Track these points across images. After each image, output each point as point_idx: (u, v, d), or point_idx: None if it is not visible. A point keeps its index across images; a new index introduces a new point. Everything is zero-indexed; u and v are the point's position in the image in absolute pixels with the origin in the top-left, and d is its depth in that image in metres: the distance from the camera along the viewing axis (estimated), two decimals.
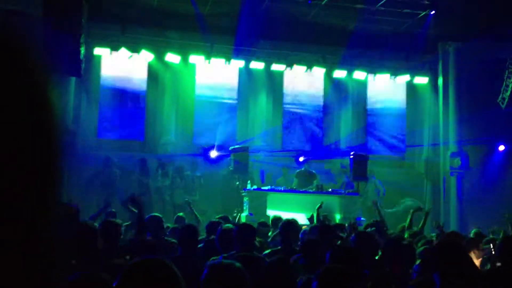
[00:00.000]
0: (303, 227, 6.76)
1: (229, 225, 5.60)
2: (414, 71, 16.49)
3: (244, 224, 5.57)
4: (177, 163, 14.46)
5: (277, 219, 7.25)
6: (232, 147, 13.18)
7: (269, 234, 6.83)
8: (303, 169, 13.00)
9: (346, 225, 7.03)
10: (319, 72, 16.15)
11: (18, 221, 0.56)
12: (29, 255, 0.58)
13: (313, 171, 13.02)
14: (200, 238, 5.77)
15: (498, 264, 4.48)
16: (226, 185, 14.08)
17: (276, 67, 15.66)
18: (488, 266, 5.37)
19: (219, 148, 14.45)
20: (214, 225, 6.19)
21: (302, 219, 8.64)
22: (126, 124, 15.28)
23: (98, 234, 3.61)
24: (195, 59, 15.07)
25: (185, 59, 15.02)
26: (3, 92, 0.56)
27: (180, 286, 1.88)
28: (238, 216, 11.88)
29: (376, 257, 4.68)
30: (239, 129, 15.94)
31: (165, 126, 15.25)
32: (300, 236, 5.97)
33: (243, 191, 12.28)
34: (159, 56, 14.91)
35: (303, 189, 12.33)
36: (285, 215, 8.05)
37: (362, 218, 11.12)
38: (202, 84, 15.83)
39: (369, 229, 6.73)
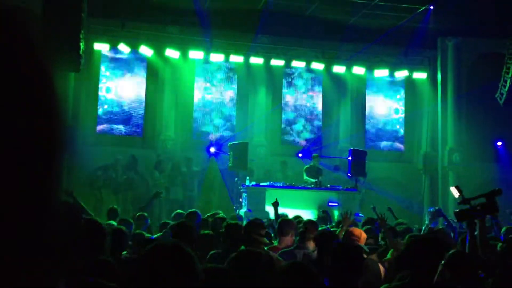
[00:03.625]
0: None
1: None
2: (412, 67, 16.47)
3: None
4: (176, 159, 14.47)
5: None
6: (231, 143, 13.14)
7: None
8: (311, 164, 12.71)
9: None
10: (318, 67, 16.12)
11: (18, 216, 0.57)
12: (29, 251, 0.58)
13: (321, 167, 12.87)
14: None
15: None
16: (225, 181, 14.07)
17: (275, 62, 15.63)
18: None
19: (218, 144, 14.46)
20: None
21: (301, 214, 8.66)
22: (125, 120, 15.26)
23: (105, 233, 3.58)
24: (195, 54, 15.05)
25: (184, 54, 14.99)
26: (4, 87, 0.56)
27: (195, 267, 1.90)
28: (237, 212, 11.87)
29: None
30: (237, 125, 15.92)
31: (164, 122, 15.23)
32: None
33: (241, 187, 12.24)
34: (159, 51, 14.88)
35: (302, 185, 12.32)
36: (284, 211, 8.04)
37: (360, 214, 11.08)
38: (201, 79, 15.83)
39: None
